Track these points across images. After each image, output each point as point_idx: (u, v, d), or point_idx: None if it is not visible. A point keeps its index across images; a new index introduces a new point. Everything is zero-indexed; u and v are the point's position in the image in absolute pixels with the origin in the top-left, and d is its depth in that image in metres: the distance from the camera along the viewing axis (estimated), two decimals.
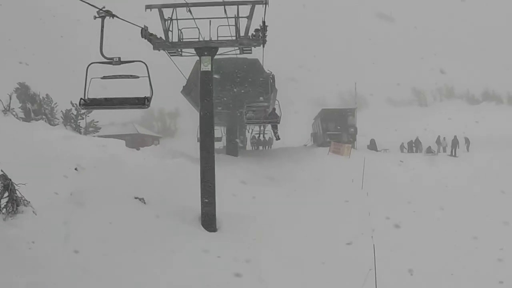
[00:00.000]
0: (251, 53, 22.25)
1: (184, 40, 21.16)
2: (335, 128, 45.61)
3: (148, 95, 13.81)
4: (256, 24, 20.23)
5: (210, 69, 20.47)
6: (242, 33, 20.54)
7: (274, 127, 34.39)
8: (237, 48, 21.64)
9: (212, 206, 20.99)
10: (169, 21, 20.67)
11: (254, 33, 20.00)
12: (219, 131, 41.11)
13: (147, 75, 13.57)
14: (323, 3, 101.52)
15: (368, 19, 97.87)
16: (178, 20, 20.99)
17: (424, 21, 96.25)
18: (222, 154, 38.92)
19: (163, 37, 20.92)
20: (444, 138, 50.39)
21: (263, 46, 21.17)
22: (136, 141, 64.95)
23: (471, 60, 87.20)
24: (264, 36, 20.07)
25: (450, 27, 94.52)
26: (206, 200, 20.89)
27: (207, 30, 21.14)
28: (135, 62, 13.54)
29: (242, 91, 35.53)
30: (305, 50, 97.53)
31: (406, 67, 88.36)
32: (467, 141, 50.15)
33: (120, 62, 13.50)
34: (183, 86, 35.96)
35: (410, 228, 23.15)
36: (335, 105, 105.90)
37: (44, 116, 42.02)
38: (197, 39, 20.85)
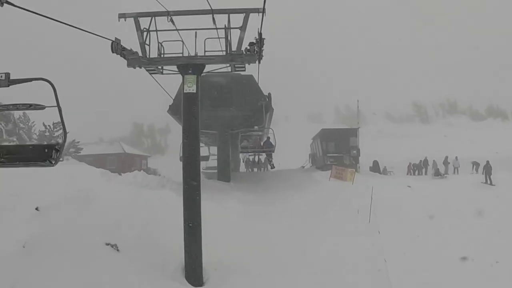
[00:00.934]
0: (244, 70, 18.94)
1: (164, 55, 17.89)
2: (336, 150, 42.45)
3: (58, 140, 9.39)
4: (250, 36, 16.93)
5: (195, 90, 17.13)
6: (234, 48, 17.21)
7: (269, 156, 34.68)
8: (228, 65, 18.34)
9: (197, 254, 17.66)
10: (146, 32, 17.39)
11: (248, 48, 16.68)
12: (206, 149, 37.56)
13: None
14: (322, 15, 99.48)
15: (365, 33, 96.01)
16: (158, 32, 17.75)
17: (425, 33, 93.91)
18: (213, 181, 35.99)
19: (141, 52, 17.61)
20: (456, 157, 47.25)
21: (259, 63, 17.89)
22: (122, 162, 62.11)
23: (473, 74, 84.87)
24: (261, 51, 16.78)
25: (452, 39, 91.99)
26: (190, 247, 17.55)
27: (192, 43, 17.94)
28: (36, 81, 8.29)
29: (234, 112, 32.84)
30: (301, 63, 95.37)
31: (406, 81, 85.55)
32: (475, 164, 47.55)
33: (7, 82, 8.10)
34: (169, 105, 32.70)
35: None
36: (332, 121, 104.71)
37: (16, 137, 38.54)
38: (180, 54, 17.57)
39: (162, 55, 17.79)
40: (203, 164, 37.41)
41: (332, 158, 41.66)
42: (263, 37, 16.07)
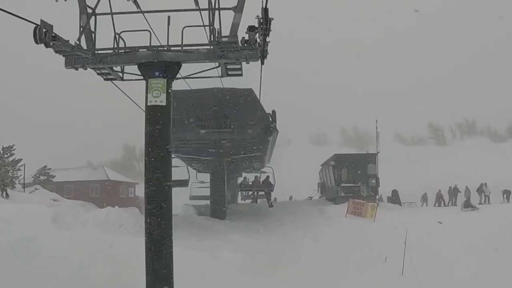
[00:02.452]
0: (240, 74, 13.18)
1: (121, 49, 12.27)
2: (352, 179, 36.66)
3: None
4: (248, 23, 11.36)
5: (164, 103, 11.50)
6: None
7: (268, 194, 33.80)
8: (217, 65, 12.69)
9: None
10: (93, 16, 11.84)
11: (247, 35, 11.07)
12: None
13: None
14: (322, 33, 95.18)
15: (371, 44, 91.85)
16: (114, 17, 12.23)
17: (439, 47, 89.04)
18: (204, 218, 30.98)
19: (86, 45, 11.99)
20: (485, 184, 42.64)
21: (262, 62, 12.26)
22: (106, 190, 56.69)
23: (491, 91, 79.74)
24: (265, 41, 11.18)
25: (468, 55, 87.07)
26: None
27: (165, 35, 12.36)
28: None
29: (231, 135, 28.15)
30: (302, 78, 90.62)
31: (419, 99, 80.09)
32: (506, 192, 42.70)
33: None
34: None
35: None
36: (339, 144, 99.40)
37: None
38: (144, 48, 11.99)
39: (117, 50, 12.09)
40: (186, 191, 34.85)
41: (347, 189, 35.93)
42: (270, 17, 10.42)
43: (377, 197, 36.62)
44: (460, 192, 42.93)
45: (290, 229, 28.19)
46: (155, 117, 11.82)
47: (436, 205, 42.63)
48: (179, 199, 41.58)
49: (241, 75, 13.26)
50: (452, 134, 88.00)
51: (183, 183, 27.77)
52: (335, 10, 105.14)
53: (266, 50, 11.83)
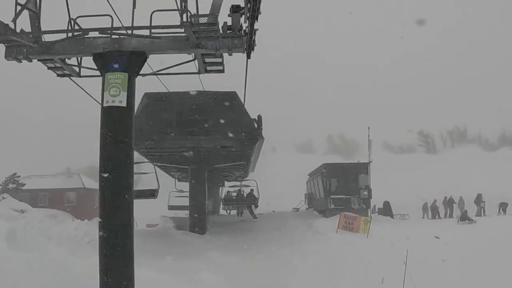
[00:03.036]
0: (222, 71, 10.95)
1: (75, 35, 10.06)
2: (342, 191, 34.52)
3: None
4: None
5: (125, 104, 9.26)
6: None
7: (252, 208, 33.19)
8: (193, 58, 10.51)
9: None
10: None
11: (230, 20, 8.86)
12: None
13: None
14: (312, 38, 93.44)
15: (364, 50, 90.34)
16: None
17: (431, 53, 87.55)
18: (182, 233, 28.81)
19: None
20: (481, 195, 41.45)
21: (249, 54, 10.10)
22: (81, 198, 54.53)
23: (483, 98, 78.31)
24: (253, 27, 8.98)
25: (460, 61, 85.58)
26: None
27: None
28: None
29: (212, 142, 26.28)
30: (287, 83, 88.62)
31: (408, 107, 78.22)
32: (503, 205, 41.13)
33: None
34: None
35: None
36: (324, 152, 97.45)
37: None
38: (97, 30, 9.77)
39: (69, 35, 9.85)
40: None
41: (337, 201, 33.82)
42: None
43: (369, 210, 34.56)
44: (455, 203, 41.12)
45: (277, 246, 26.08)
46: (112, 121, 9.57)
47: (430, 217, 40.59)
48: (158, 209, 39.46)
49: (222, 71, 11.09)
50: (442, 142, 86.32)
51: (151, 194, 23.26)
52: (322, 15, 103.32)
53: (254, 40, 9.63)
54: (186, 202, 32.14)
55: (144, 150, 27.52)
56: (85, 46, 9.84)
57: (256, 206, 34.57)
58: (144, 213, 45.71)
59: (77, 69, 11.40)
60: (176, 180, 38.80)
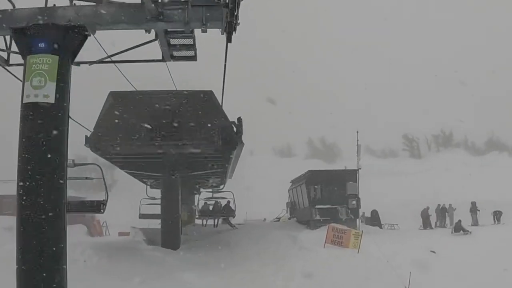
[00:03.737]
0: (193, 57, 8.24)
1: None
2: (328, 200, 32.03)
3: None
4: None
5: (52, 99, 6.50)
6: None
7: (228, 219, 32.65)
8: (153, 38, 7.79)
9: None
10: None
11: None
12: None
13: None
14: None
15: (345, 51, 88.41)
16: None
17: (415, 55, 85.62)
18: (153, 248, 26.10)
19: None
20: (474, 203, 38.88)
21: (229, 35, 7.34)
22: None
23: (469, 102, 76.28)
24: None
25: (446, 63, 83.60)
26: None
27: None
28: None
29: (186, 148, 23.19)
30: (267, 86, 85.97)
31: (393, 109, 76.23)
32: (497, 213, 38.48)
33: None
34: (86, 137, 22.04)
35: None
36: (305, 156, 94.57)
37: None
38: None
39: None
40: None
41: (323, 212, 31.37)
42: None
43: (358, 221, 32.10)
44: (448, 213, 38.87)
45: (258, 264, 23.54)
46: (35, 123, 6.88)
47: (422, 227, 38.10)
48: (128, 218, 36.61)
49: (194, 58, 8.43)
50: (427, 146, 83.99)
51: (96, 207, 16.77)
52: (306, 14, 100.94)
53: (237, 16, 6.96)
54: (158, 210, 29.35)
55: (109, 157, 24.77)
56: (5, 19, 7.14)
57: (233, 217, 33.48)
58: (117, 219, 42.90)
59: (5, 55, 8.72)
60: (149, 186, 36.16)
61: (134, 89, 22.66)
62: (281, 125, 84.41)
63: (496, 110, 74.97)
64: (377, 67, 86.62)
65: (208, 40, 8.50)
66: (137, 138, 22.28)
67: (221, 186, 37.40)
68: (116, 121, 22.27)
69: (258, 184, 64.08)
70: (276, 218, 41.48)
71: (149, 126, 22.10)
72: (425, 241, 30.15)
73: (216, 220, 35.29)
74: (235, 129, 22.58)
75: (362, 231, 26.43)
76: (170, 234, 26.39)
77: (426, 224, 38.22)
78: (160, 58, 8.84)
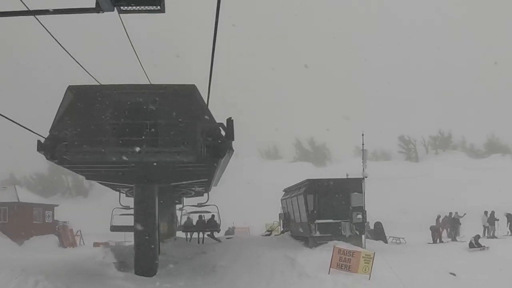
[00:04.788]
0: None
1: None
2: (330, 213, 27.88)
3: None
4: None
5: None
6: None
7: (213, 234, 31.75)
8: None
9: None
10: None
11: None
12: None
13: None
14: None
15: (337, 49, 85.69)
16: None
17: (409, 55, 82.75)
18: (125, 276, 21.86)
19: None
20: (490, 213, 35.14)
21: None
22: (15, 214, 46.99)
23: (469, 103, 73.17)
24: None
25: (443, 64, 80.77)
26: None
27: None
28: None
29: (164, 156, 18.95)
30: (253, 84, 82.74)
31: (389, 111, 72.73)
32: (509, 217, 35.59)
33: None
34: (39, 142, 18.12)
35: None
36: (292, 158, 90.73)
37: None
38: None
39: None
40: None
41: (324, 227, 27.33)
42: None
43: (363, 237, 28.07)
44: (461, 224, 35.06)
45: None
46: None
47: (431, 240, 34.22)
48: (106, 226, 33.14)
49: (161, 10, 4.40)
50: (425, 148, 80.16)
51: None
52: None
53: None
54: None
55: (69, 166, 20.60)
56: None
57: (218, 232, 32.31)
58: (93, 227, 38.70)
59: None
60: (124, 194, 32.15)
61: (98, 83, 18.71)
62: (267, 125, 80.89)
63: (495, 110, 72.17)
64: (371, 63, 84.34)
65: None
66: (103, 143, 18.09)
67: (205, 195, 33.94)
68: (76, 122, 18.15)
69: (243, 189, 60.90)
70: (267, 231, 37.47)
71: (117, 129, 17.95)
72: (440, 260, 26.52)
73: (201, 235, 32.18)
74: (223, 133, 18.44)
75: (374, 253, 22.30)
76: (145, 257, 22.18)
77: (435, 236, 34.43)
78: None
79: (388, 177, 63.63)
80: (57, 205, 54.34)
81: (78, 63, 16.00)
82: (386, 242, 32.66)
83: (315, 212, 27.76)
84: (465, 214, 36.43)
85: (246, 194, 59.15)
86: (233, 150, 19.14)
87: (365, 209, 28.29)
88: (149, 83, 18.02)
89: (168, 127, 17.90)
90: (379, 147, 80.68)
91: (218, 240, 31.42)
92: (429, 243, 33.63)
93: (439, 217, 36.01)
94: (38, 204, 52.11)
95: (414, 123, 72.92)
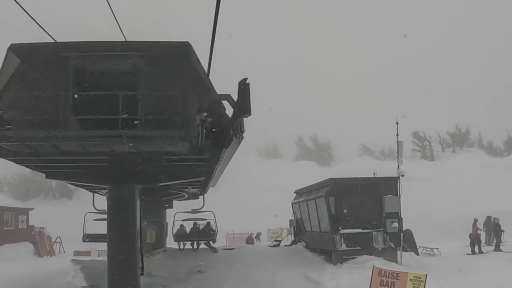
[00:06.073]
0: None
1: None
2: (359, 221, 22.90)
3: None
4: None
5: None
6: None
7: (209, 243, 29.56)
8: None
9: None
10: None
11: None
12: None
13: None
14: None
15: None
16: None
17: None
18: None
19: None
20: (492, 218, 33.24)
21: None
22: None
23: (485, 97, 69.29)
24: None
25: (458, 59, 76.94)
26: None
27: None
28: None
29: (148, 146, 13.82)
30: (253, 80, 78.81)
31: (401, 103, 68.10)
32: None
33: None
34: None
35: None
36: (294, 157, 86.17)
37: None
38: None
39: None
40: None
41: (351, 238, 22.42)
42: None
43: (399, 252, 23.09)
44: (503, 231, 30.56)
45: None
46: None
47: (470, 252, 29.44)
48: (88, 232, 29.29)
49: None
50: (440, 145, 75.65)
51: None
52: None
53: None
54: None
55: (15, 159, 15.28)
56: None
57: (214, 241, 29.54)
58: (75, 232, 33.96)
59: None
60: (94, 194, 27.34)
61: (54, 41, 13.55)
62: (267, 122, 76.53)
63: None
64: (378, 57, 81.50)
65: None
66: (59, 124, 12.83)
67: (200, 197, 29.98)
68: (23, 96, 12.96)
69: (243, 191, 56.77)
70: (276, 240, 32.38)
71: (79, 105, 12.74)
72: (492, 277, 21.95)
73: (195, 244, 29.52)
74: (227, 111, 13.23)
75: (426, 274, 17.14)
76: (121, 282, 16.77)
77: (474, 245, 29.56)
78: None
79: (403, 178, 59.00)
80: (32, 209, 49.67)
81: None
82: (417, 253, 27.71)
83: (340, 219, 22.74)
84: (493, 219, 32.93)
85: (244, 197, 55.36)
86: (243, 137, 13.95)
87: (401, 216, 23.38)
88: (123, 40, 12.95)
89: (150, 102, 12.63)
90: (387, 145, 76.14)
91: (214, 249, 28.29)
92: (467, 254, 28.82)
93: (476, 221, 31.09)
94: (10, 207, 47.33)
95: (428, 118, 69.18)
